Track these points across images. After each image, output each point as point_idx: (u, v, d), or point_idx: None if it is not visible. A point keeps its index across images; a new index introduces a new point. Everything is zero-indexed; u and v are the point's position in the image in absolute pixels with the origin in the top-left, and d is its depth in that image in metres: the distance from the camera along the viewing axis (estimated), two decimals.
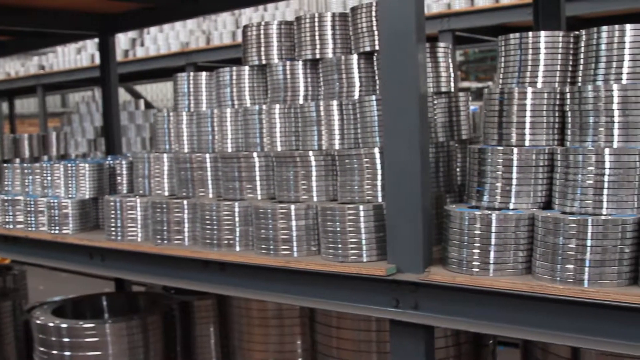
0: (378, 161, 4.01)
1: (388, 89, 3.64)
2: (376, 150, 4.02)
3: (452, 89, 4.50)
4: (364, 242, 3.87)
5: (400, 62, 3.57)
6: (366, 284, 3.76)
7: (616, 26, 3.56)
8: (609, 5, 8.59)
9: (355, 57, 4.54)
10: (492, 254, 3.44)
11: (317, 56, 4.74)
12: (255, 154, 4.61)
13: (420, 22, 3.58)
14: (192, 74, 5.43)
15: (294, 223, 4.13)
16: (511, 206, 3.56)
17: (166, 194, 5.18)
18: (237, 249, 4.43)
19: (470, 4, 10.16)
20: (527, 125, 3.67)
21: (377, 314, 3.79)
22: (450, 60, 4.50)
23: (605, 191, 3.29)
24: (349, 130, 4.40)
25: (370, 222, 3.86)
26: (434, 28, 10.26)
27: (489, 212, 3.47)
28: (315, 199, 4.31)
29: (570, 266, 3.21)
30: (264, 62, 5.00)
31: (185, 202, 4.78)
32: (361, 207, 3.87)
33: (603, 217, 3.20)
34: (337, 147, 4.42)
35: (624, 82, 3.50)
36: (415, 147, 3.54)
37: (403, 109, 3.56)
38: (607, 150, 3.30)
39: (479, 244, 3.46)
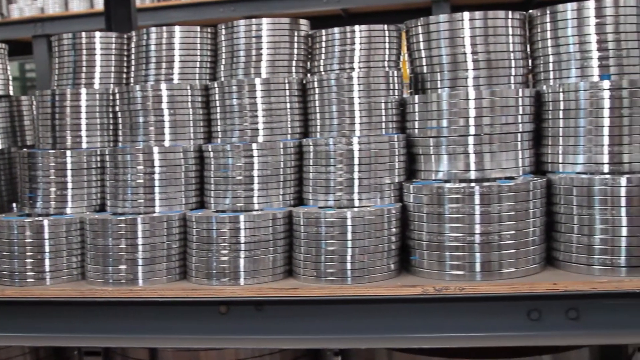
0: None
1: None
2: None
3: (11, 93, 4.25)
4: None
5: None
6: None
7: (164, 27, 3.63)
8: None
9: None
10: (46, 262, 3.29)
11: None
12: None
13: None
14: None
15: None
16: (68, 211, 3.45)
17: None
18: None
19: (65, 8, 9.88)
20: (83, 127, 3.59)
21: None
22: (7, 63, 4.25)
23: (155, 189, 3.32)
24: None
25: None
26: (27, 33, 9.82)
27: (40, 218, 3.31)
28: None
29: (123, 267, 3.18)
30: None
31: None
32: None
33: (151, 215, 3.22)
34: None
35: (175, 82, 3.58)
36: None
37: None
38: (155, 149, 3.33)
39: (31, 253, 3.28)
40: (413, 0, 8.94)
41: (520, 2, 8.54)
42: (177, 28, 3.65)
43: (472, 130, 3.11)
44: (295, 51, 3.57)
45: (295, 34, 3.58)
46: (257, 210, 3.22)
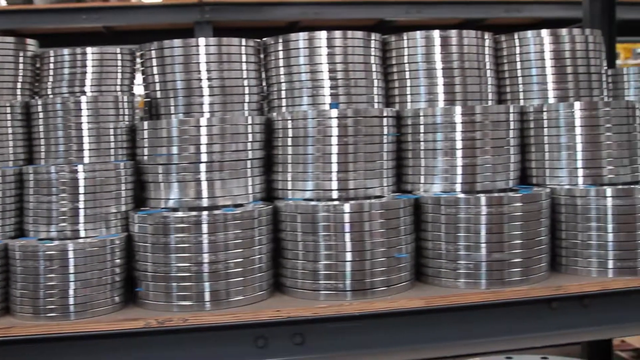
0: None
1: None
2: None
3: None
4: None
5: None
6: None
7: None
8: None
9: None
10: None
11: None
12: None
13: None
14: None
15: None
16: None
17: None
18: None
19: None
20: None
21: None
22: None
23: None
24: None
25: None
26: None
27: None
28: None
29: None
30: None
31: None
32: None
33: None
34: None
35: None
36: None
37: None
38: None
39: None
40: (178, 20, 8.82)
41: (283, 27, 8.72)
42: None
43: (202, 158, 3.08)
44: (21, 72, 3.37)
45: (21, 54, 3.38)
46: None
